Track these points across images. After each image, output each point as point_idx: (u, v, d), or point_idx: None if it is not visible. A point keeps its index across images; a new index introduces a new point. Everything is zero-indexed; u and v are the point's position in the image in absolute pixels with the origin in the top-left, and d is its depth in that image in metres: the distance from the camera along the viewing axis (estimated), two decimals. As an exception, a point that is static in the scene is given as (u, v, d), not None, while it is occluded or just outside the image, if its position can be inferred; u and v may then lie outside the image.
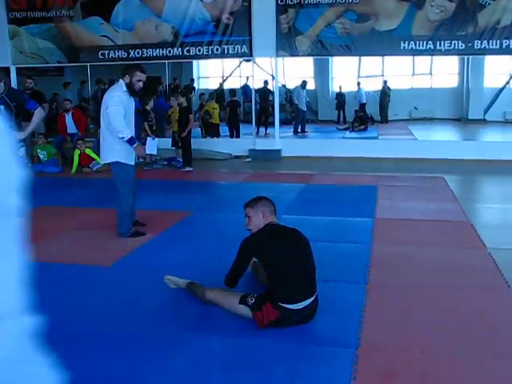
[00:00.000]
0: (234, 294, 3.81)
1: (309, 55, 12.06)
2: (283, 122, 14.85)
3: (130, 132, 5.65)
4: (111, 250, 5.39)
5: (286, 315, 3.55)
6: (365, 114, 18.04)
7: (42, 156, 10.99)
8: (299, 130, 16.45)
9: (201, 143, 12.27)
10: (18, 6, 12.71)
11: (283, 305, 3.54)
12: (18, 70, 13.28)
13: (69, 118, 11.46)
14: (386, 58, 17.96)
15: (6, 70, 12.44)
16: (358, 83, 19.11)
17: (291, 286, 3.58)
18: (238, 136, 13.98)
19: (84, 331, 3.62)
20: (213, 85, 19.31)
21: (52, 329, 3.64)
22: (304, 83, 16.68)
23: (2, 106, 5.86)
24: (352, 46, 11.27)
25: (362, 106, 18.61)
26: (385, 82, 19.51)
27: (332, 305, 3.89)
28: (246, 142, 12.65)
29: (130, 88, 5.63)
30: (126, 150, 5.70)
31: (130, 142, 5.62)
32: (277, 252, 3.66)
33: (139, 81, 5.62)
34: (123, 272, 4.78)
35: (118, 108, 5.56)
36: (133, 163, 5.84)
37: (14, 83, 12.70)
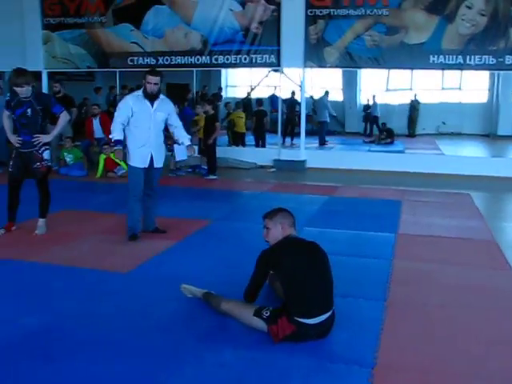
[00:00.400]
0: (249, 306, 3.77)
1: (337, 67, 12.01)
2: (309, 133, 14.81)
3: (120, 135, 5.97)
4: (130, 257, 5.39)
5: (302, 330, 3.49)
6: (377, 127, 18.03)
7: (68, 159, 11.10)
8: (321, 141, 16.27)
9: (226, 152, 12.29)
10: (53, 13, 12.94)
11: (299, 319, 3.49)
12: (50, 75, 13.48)
13: (96, 123, 11.55)
14: (415, 71, 17.80)
15: (36, 74, 12.61)
16: (374, 96, 19.00)
17: (308, 301, 3.53)
18: (263, 146, 13.99)
19: (95, 338, 3.61)
20: (240, 94, 19.36)
21: (64, 334, 3.68)
22: (326, 93, 16.52)
23: (29, 110, 5.91)
24: (380, 59, 11.19)
25: (375, 118, 18.55)
26: (414, 96, 19.35)
27: (349, 321, 3.83)
28: (272, 151, 12.64)
29: (145, 92, 5.87)
30: (140, 153, 5.96)
31: (115, 143, 6.01)
32: (293, 266, 3.61)
33: (149, 83, 5.80)
34: (140, 279, 4.77)
35: (118, 111, 5.99)
36: (142, 166, 5.97)
37: (45, 87, 12.89)
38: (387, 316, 4.01)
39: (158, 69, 12.71)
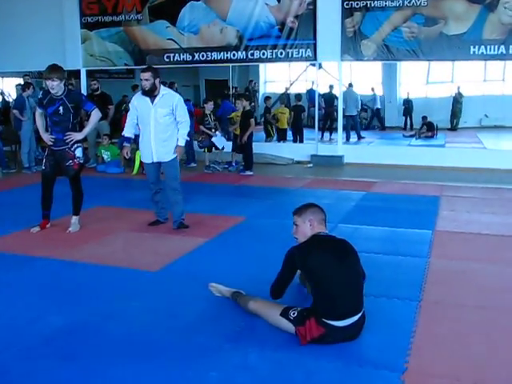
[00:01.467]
0: (277, 306, 3.68)
1: (374, 60, 11.76)
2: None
3: (130, 133, 6.35)
4: (161, 254, 5.36)
5: (331, 332, 3.38)
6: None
7: (105, 156, 11.20)
8: (353, 137, 15.71)
9: (263, 147, 12.21)
10: (91, 12, 13.09)
11: (328, 321, 3.38)
12: (89, 73, 13.64)
13: (133, 120, 11.59)
14: (456, 63, 17.38)
15: (73, 73, 12.77)
16: (372, 88, 18.57)
17: (336, 302, 3.41)
18: (301, 141, 13.86)
19: (123, 337, 3.58)
20: (279, 89, 19.24)
21: (92, 332, 3.67)
22: (350, 85, 15.70)
23: (61, 107, 5.94)
24: (419, 51, 10.93)
25: (377, 111, 18.16)
26: (458, 88, 18.88)
27: (381, 322, 3.70)
28: (309, 147, 12.50)
29: (142, 89, 6.10)
30: (144, 148, 6.31)
31: (124, 140, 6.47)
32: (321, 265, 3.48)
33: (141, 80, 6.02)
34: (170, 277, 4.73)
35: (129, 110, 6.35)
36: (147, 161, 6.29)
37: (83, 85, 13.06)
38: (421, 317, 3.85)
39: (193, 65, 12.97)
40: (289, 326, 3.49)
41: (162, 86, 6.16)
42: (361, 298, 3.52)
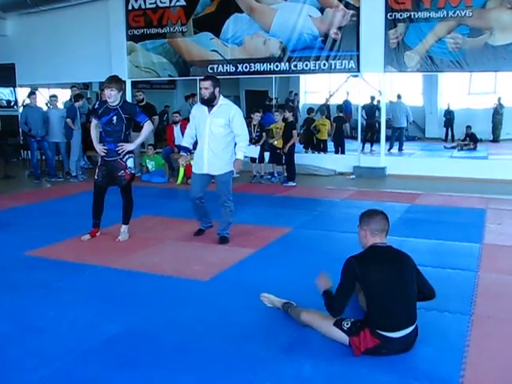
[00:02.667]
0: (329, 317, 3.71)
1: (418, 71, 11.73)
2: (390, 139, 14.55)
3: (186, 142, 6.34)
4: (210, 264, 5.45)
5: (385, 343, 3.41)
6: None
7: (150, 166, 11.40)
8: (394, 147, 15.70)
9: (305, 158, 12.27)
10: (137, 24, 13.40)
11: (383, 332, 3.41)
12: (133, 84, 13.93)
13: (177, 130, 11.77)
14: (499, 73, 17.13)
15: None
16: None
17: (392, 313, 3.43)
18: (342, 152, 13.87)
19: (175, 346, 3.66)
20: (319, 99, 19.26)
21: (143, 341, 3.76)
22: (399, 97, 15.90)
23: (115, 117, 6.10)
24: (463, 62, 10.85)
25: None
26: (498, 100, 18.61)
27: (433, 336, 3.70)
28: (351, 158, 12.50)
29: (200, 98, 6.17)
30: (197, 158, 6.23)
31: (182, 149, 6.45)
32: (379, 278, 3.49)
33: (200, 88, 6.04)
34: (220, 287, 4.81)
35: (189, 120, 6.41)
36: (198, 171, 6.20)
37: (128, 96, 13.32)
38: (473, 331, 3.84)
39: (237, 76, 13.11)
40: (342, 337, 3.53)
41: (221, 97, 6.05)
42: (414, 310, 3.53)
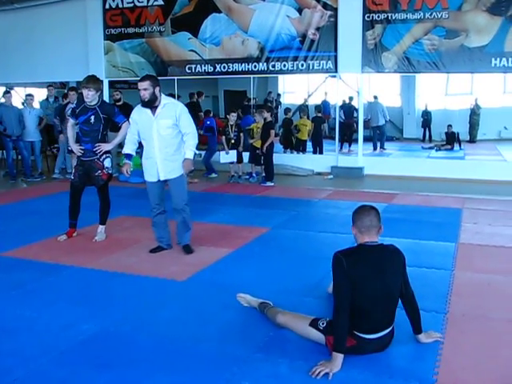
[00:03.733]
0: (305, 317, 3.72)
1: (395, 72, 11.80)
2: (367, 139, 14.63)
3: (129, 149, 5.80)
4: (187, 264, 5.44)
5: (362, 344, 3.42)
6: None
7: (127, 166, 11.31)
8: (377, 147, 16.26)
9: (283, 158, 12.30)
10: (114, 24, 13.32)
11: (359, 334, 3.42)
12: (110, 83, 13.84)
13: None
14: (476, 75, 17.34)
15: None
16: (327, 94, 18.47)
17: (372, 316, 3.40)
18: (321, 152, 13.92)
19: (151, 346, 3.65)
20: (298, 100, 19.33)
21: (120, 341, 3.74)
22: (375, 97, 16.45)
23: (93, 117, 6.07)
24: (440, 63, 10.96)
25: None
26: (475, 100, 18.85)
27: (409, 334, 3.72)
28: (329, 158, 12.55)
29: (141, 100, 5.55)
30: (148, 166, 5.74)
31: (125, 157, 5.93)
32: (361, 280, 3.34)
33: (139, 90, 5.48)
34: (197, 287, 4.81)
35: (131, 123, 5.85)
36: (152, 180, 5.70)
37: (106, 95, 13.19)
38: (448, 329, 3.89)
39: (215, 76, 13.09)
40: (319, 336, 3.54)
41: (163, 96, 5.62)
42: (394, 312, 3.52)
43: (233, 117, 11.20)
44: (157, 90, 5.50)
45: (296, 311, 3.95)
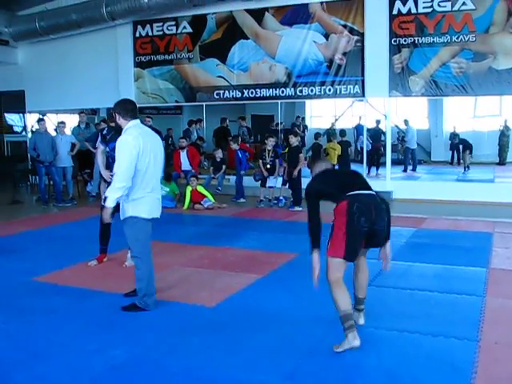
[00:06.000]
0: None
1: (422, 95, 11.80)
2: (395, 163, 14.57)
3: None
4: (217, 290, 5.46)
5: (353, 201, 3.96)
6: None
7: (163, 192, 11.39)
8: (409, 169, 16.48)
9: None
10: (144, 51, 13.61)
11: (350, 193, 4.02)
12: (139, 109, 14.04)
13: (183, 155, 11.88)
14: (505, 96, 17.20)
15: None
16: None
17: (351, 184, 4.14)
18: (347, 176, 13.86)
19: (180, 372, 3.67)
20: (325, 124, 19.35)
21: (150, 367, 3.76)
22: (406, 121, 16.78)
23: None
24: (467, 86, 10.93)
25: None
26: (505, 122, 18.65)
27: (441, 363, 3.69)
28: (357, 182, 12.47)
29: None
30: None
31: None
32: (330, 179, 4.41)
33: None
34: (226, 313, 4.82)
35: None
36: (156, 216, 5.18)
37: (135, 121, 13.42)
38: (481, 357, 3.82)
39: (243, 101, 13.23)
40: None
41: (131, 122, 4.90)
42: (367, 183, 4.25)
43: (270, 142, 11.23)
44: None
45: (325, 339, 3.96)
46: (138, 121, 4.97)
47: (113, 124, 6.03)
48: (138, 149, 4.69)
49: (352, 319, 3.98)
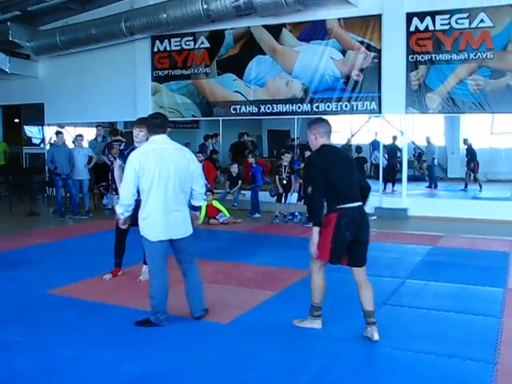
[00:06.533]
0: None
1: (439, 113, 11.78)
2: (411, 179, 14.50)
3: None
4: (231, 306, 5.44)
5: (342, 215, 4.37)
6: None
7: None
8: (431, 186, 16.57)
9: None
10: (162, 66, 13.76)
11: (340, 206, 4.40)
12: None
13: (199, 170, 11.89)
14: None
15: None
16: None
17: (343, 191, 4.46)
18: (364, 192, 13.81)
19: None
20: (341, 140, 19.32)
21: (163, 382, 3.75)
22: (428, 140, 17.07)
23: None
24: (485, 103, 10.89)
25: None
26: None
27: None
28: (372, 199, 12.35)
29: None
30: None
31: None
32: (330, 165, 4.46)
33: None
34: (240, 330, 4.80)
35: None
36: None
37: (151, 135, 13.50)
38: (498, 381, 3.76)
39: (259, 117, 13.28)
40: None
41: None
42: (358, 192, 4.54)
43: (286, 157, 11.24)
44: None
45: (338, 357, 3.94)
46: (158, 136, 4.97)
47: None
48: (137, 167, 4.69)
49: (320, 311, 4.71)
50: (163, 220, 4.80)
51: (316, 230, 4.45)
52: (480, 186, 16.22)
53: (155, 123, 5.01)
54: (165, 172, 4.76)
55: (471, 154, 16.95)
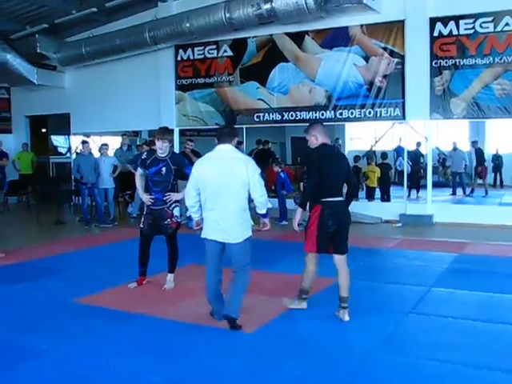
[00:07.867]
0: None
1: (464, 118, 11.68)
2: (436, 185, 14.36)
3: None
4: (255, 315, 5.43)
5: (325, 207, 5.11)
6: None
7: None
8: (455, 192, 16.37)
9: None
10: (185, 74, 13.85)
11: (324, 199, 5.12)
12: (180, 131, 14.28)
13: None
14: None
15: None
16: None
17: (330, 187, 5.15)
18: (387, 199, 13.74)
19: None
20: (365, 146, 19.23)
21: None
22: (455, 146, 16.66)
23: (164, 168, 6.23)
24: (511, 108, 10.73)
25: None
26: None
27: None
28: (397, 205, 12.37)
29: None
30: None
31: None
32: (325, 163, 5.11)
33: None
34: (264, 339, 4.79)
35: None
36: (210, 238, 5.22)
37: (176, 144, 13.59)
38: (527, 393, 3.71)
39: (283, 124, 13.28)
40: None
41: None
42: (342, 188, 5.35)
43: None
44: None
45: (362, 368, 3.93)
46: (223, 145, 5.07)
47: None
48: (195, 173, 5.10)
49: (307, 295, 5.52)
50: (212, 221, 5.08)
51: (299, 210, 5.29)
52: (486, 192, 16.19)
53: (222, 132, 5.23)
54: (218, 177, 4.95)
55: (479, 157, 16.80)
